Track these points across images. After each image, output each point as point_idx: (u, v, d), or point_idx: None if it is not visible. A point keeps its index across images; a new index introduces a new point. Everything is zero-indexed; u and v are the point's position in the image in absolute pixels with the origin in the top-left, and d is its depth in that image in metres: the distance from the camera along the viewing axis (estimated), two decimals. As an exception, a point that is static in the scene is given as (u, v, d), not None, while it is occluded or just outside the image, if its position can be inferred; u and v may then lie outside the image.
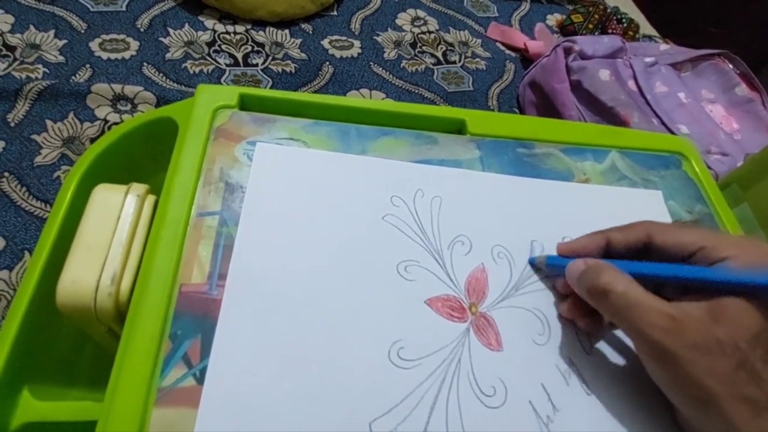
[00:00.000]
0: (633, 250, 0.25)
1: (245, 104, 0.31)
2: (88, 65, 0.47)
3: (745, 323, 0.20)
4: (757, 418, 0.19)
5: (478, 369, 0.23)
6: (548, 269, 0.27)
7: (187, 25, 0.53)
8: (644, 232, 0.24)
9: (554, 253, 0.27)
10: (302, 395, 0.21)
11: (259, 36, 0.54)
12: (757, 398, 0.19)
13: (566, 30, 0.66)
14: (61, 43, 0.48)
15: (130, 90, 0.45)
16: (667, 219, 0.30)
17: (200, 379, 0.21)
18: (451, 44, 0.60)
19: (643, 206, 0.31)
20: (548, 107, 0.53)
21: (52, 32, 0.48)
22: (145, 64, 0.48)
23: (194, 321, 0.22)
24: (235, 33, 0.54)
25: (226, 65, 0.51)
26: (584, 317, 0.25)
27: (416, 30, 0.60)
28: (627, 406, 0.23)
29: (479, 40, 0.62)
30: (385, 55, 0.57)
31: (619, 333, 0.26)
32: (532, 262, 0.27)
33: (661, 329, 0.20)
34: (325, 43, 0.56)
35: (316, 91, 0.51)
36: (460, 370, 0.23)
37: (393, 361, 0.23)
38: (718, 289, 0.21)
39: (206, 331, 0.22)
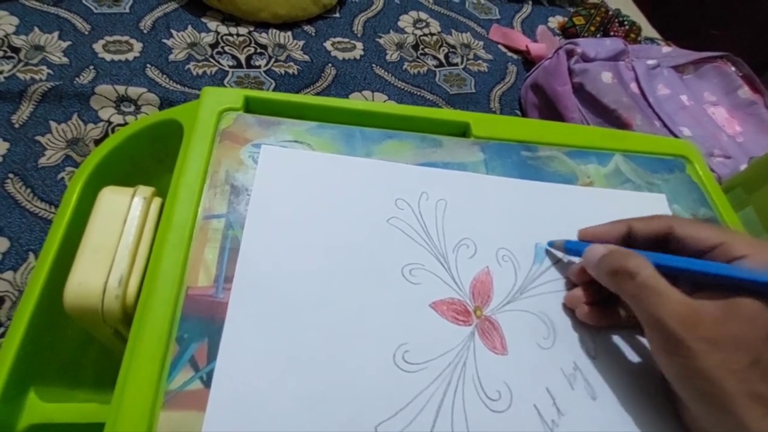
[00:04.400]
0: (652, 241, 0.25)
1: (250, 107, 0.31)
2: (91, 67, 0.47)
3: (761, 321, 0.20)
4: None
5: (484, 373, 0.23)
6: (567, 253, 0.27)
7: (190, 27, 0.53)
8: (666, 223, 0.25)
9: (555, 258, 0.27)
10: (308, 398, 0.21)
11: (262, 38, 0.54)
12: None
13: (568, 32, 0.66)
14: (65, 44, 0.48)
15: (133, 91, 0.45)
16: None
17: (207, 382, 0.21)
18: (453, 46, 0.60)
19: (647, 210, 0.31)
20: (550, 110, 0.53)
21: (56, 34, 0.48)
22: (148, 65, 0.48)
23: (201, 324, 0.22)
24: (238, 35, 0.54)
25: (229, 67, 0.51)
26: (589, 307, 0.25)
27: (418, 32, 0.60)
28: (632, 410, 0.23)
29: (481, 42, 0.62)
30: (388, 57, 0.57)
31: (623, 337, 0.26)
32: (550, 246, 0.28)
33: (678, 319, 0.21)
34: (328, 44, 0.56)
35: (318, 93, 0.51)
36: (466, 374, 0.23)
37: (398, 364, 0.23)
38: (733, 287, 0.21)
39: (213, 334, 0.22)
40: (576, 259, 0.27)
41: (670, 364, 0.21)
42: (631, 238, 0.26)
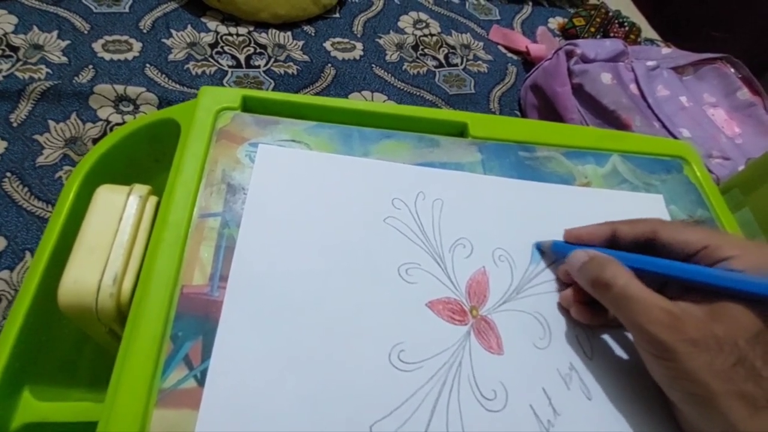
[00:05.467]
0: (638, 244, 0.25)
1: (248, 106, 0.31)
2: (90, 66, 0.47)
3: (745, 323, 0.20)
4: (755, 416, 0.19)
5: (479, 372, 0.23)
6: (554, 255, 0.27)
7: (189, 27, 0.53)
8: (651, 227, 0.25)
9: (552, 258, 0.27)
10: (303, 397, 0.21)
11: (262, 38, 0.54)
12: (755, 396, 0.19)
13: (568, 33, 0.66)
14: (64, 43, 0.48)
15: (132, 91, 0.45)
16: (668, 223, 0.31)
17: (201, 381, 0.21)
18: (452, 47, 0.60)
19: (644, 210, 0.31)
20: (550, 110, 0.53)
21: (55, 33, 0.48)
22: (147, 65, 0.48)
23: (195, 322, 0.22)
24: (237, 35, 0.54)
25: (229, 67, 0.51)
26: (582, 306, 0.25)
27: (418, 32, 0.60)
28: (628, 410, 0.23)
29: (481, 43, 0.62)
30: (387, 57, 0.57)
31: (619, 338, 0.26)
32: (539, 247, 0.28)
33: (660, 324, 0.21)
34: (327, 45, 0.56)
35: (317, 93, 0.51)
36: (461, 374, 0.23)
37: (394, 363, 0.23)
38: (718, 290, 0.21)
39: (207, 332, 0.22)
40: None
41: (657, 367, 0.22)
42: (615, 240, 0.26)
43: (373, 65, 0.55)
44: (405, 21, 0.61)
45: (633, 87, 0.51)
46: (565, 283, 0.27)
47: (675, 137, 0.48)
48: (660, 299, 0.22)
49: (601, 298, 0.24)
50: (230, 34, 0.53)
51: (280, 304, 0.23)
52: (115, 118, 0.44)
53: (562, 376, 0.24)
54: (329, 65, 0.54)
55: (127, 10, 0.52)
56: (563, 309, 0.26)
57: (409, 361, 0.23)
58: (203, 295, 0.23)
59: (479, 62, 0.60)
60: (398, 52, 0.58)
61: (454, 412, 0.22)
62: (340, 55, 0.55)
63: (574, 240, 0.27)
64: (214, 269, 0.23)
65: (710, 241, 0.23)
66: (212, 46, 0.52)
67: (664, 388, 0.22)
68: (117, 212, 0.25)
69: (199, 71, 0.50)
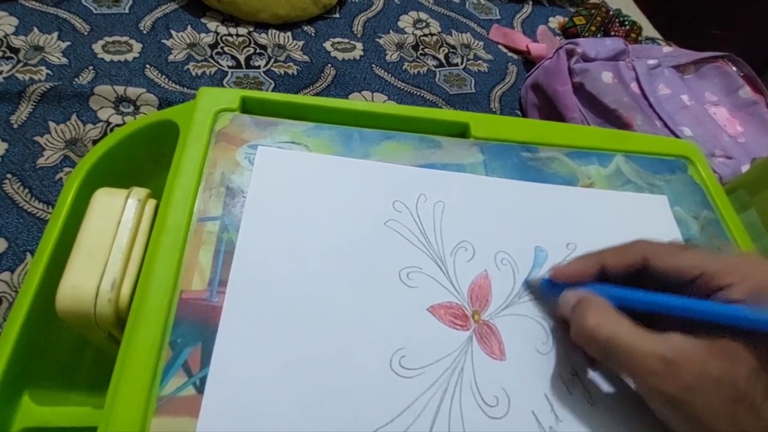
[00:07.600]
0: (628, 274, 0.24)
1: (247, 107, 0.31)
2: (91, 67, 0.47)
3: (744, 359, 0.20)
4: None
5: (481, 378, 0.23)
6: (543, 296, 0.26)
7: (189, 28, 0.53)
8: (640, 255, 0.23)
9: (555, 261, 0.27)
10: (303, 404, 0.21)
11: (262, 38, 0.54)
12: None
13: (569, 32, 0.66)
14: (64, 45, 0.48)
15: (132, 92, 0.45)
16: (672, 224, 0.30)
17: (200, 388, 0.20)
18: (453, 46, 0.60)
19: (648, 211, 0.30)
20: (551, 110, 0.53)
21: (55, 34, 0.48)
22: (147, 66, 0.48)
23: (194, 328, 0.22)
24: (237, 35, 0.53)
25: (229, 67, 0.51)
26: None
27: (418, 32, 0.60)
28: (630, 417, 0.23)
29: (481, 43, 0.62)
30: (387, 57, 0.56)
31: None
32: (527, 284, 0.26)
33: (654, 374, 0.20)
34: (327, 45, 0.55)
35: (317, 94, 0.51)
36: (463, 380, 0.23)
37: (395, 370, 0.22)
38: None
39: (206, 338, 0.22)
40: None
41: (659, 410, 0.21)
42: (605, 273, 0.24)
43: (373, 65, 0.55)
44: (405, 21, 0.61)
45: (634, 86, 0.51)
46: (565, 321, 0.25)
47: (677, 136, 0.48)
48: (650, 342, 0.20)
49: (587, 349, 0.22)
50: (230, 35, 0.53)
51: (280, 309, 0.23)
52: (116, 119, 0.44)
53: (564, 381, 0.24)
54: (329, 65, 0.53)
55: (126, 11, 0.52)
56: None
57: (411, 367, 0.23)
58: (202, 300, 0.23)
59: (479, 62, 0.59)
60: (398, 52, 0.57)
61: (456, 419, 0.22)
62: (340, 55, 0.55)
63: (563, 279, 0.25)
64: (213, 274, 0.23)
65: (705, 269, 0.22)
66: (212, 46, 0.52)
67: (667, 426, 0.21)
68: (115, 216, 0.25)
69: (199, 72, 0.49)
